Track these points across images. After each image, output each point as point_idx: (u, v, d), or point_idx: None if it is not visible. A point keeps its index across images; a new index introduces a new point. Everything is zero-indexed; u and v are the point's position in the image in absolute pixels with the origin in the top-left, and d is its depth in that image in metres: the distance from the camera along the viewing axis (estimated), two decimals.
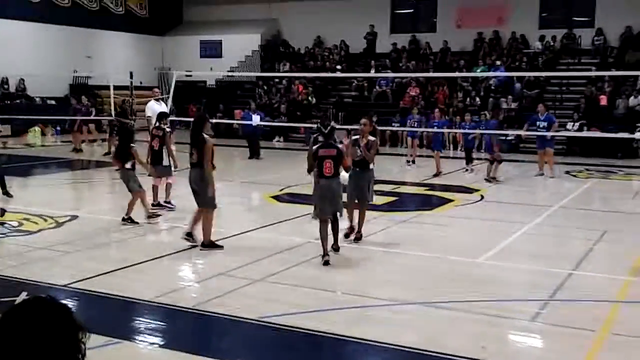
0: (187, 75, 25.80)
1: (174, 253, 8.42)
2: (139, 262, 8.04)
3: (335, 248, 8.51)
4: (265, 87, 28.37)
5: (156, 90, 17.44)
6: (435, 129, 17.31)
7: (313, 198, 8.40)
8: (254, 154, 19.61)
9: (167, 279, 7.57)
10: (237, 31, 31.03)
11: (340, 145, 8.36)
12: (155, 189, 11.27)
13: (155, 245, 9.02)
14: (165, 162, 11.28)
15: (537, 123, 16.36)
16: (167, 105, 16.56)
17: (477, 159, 17.97)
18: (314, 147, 8.23)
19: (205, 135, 8.73)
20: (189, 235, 8.71)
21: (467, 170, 16.71)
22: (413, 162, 18.18)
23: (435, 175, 15.96)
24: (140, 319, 6.40)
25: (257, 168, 17.80)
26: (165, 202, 11.29)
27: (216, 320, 6.19)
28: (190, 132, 8.88)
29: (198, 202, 8.72)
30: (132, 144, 10.15)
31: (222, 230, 9.61)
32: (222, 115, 24.87)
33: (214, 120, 23.72)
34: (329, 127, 8.25)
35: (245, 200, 12.98)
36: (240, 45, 30.61)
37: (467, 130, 17.22)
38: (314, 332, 5.81)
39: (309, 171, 8.50)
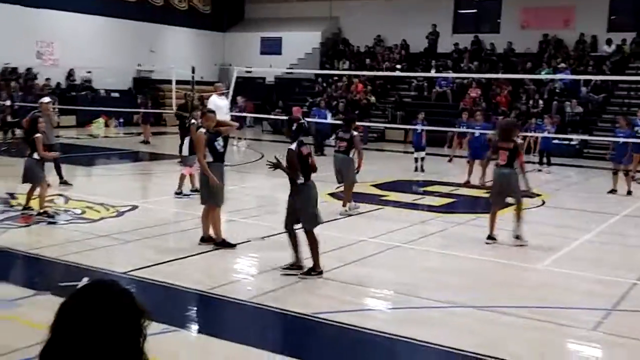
0: (247, 72, 26.08)
1: (224, 248, 8.46)
2: (195, 254, 8.16)
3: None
4: (324, 85, 28.42)
5: (220, 85, 17.69)
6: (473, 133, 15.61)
7: (307, 205, 7.38)
8: (318, 151, 19.67)
9: (222, 271, 7.67)
10: (297, 28, 31.20)
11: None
12: (187, 178, 11.84)
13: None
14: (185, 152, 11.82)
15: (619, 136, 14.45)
16: (228, 100, 16.78)
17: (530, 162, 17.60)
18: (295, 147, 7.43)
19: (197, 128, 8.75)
20: (203, 240, 8.56)
21: (540, 170, 16.60)
22: (450, 160, 18.00)
23: (465, 185, 14.33)
24: (196, 308, 6.52)
25: (321, 165, 17.84)
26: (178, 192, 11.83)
27: (269, 313, 6.23)
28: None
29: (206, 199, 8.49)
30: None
31: (280, 225, 9.67)
32: (281, 112, 25.04)
33: (272, 117, 24.09)
34: (296, 125, 7.64)
35: None
36: (300, 43, 30.77)
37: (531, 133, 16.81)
38: (364, 330, 5.79)
39: (297, 177, 7.37)
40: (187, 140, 11.71)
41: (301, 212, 7.37)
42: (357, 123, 11.87)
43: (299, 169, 7.31)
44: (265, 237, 9.07)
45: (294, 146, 7.43)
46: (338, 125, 11.16)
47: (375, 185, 13.94)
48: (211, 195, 8.31)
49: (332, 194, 11.60)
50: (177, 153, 13.29)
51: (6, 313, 5.95)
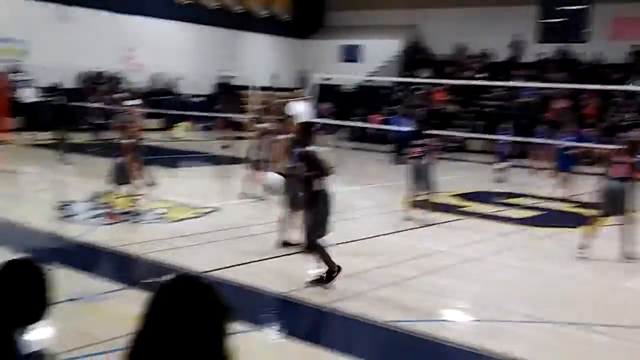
0: (326, 79, 26.30)
1: (298, 252, 8.52)
2: (274, 257, 8.29)
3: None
4: (404, 93, 28.31)
5: (301, 91, 18.09)
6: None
7: (323, 214, 7.16)
8: (399, 159, 19.64)
9: (300, 275, 7.76)
10: (377, 36, 31.23)
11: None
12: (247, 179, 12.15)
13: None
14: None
15: None
16: (308, 106, 17.01)
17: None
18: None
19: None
20: (285, 244, 8.67)
21: None
22: (535, 172, 17.52)
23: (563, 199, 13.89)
24: (273, 311, 6.62)
25: (401, 173, 17.81)
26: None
27: (345, 319, 6.26)
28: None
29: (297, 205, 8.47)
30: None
31: (358, 232, 9.76)
32: (359, 119, 25.12)
33: (351, 124, 24.16)
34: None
35: (384, 204, 13.04)
36: (379, 51, 30.78)
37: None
38: (441, 341, 5.74)
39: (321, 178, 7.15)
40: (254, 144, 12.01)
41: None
42: (435, 132, 11.73)
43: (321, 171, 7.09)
44: (339, 243, 9.11)
45: (315, 147, 7.28)
46: (416, 133, 11.09)
47: (455, 196, 13.78)
48: (297, 201, 8.39)
49: (408, 202, 11.52)
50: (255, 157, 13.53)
51: (95, 305, 6.22)
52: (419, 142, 10.85)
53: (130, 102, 13.90)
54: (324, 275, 7.17)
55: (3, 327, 2.40)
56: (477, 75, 27.33)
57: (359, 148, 24.15)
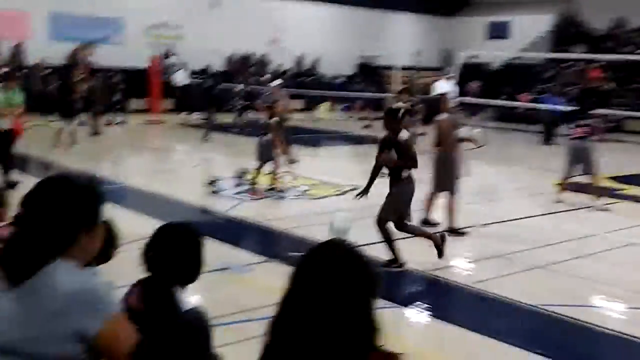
0: (471, 57, 25.61)
1: (447, 231, 8.37)
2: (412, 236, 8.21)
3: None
4: (556, 71, 26.96)
5: (447, 69, 17.93)
6: None
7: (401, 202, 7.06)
8: (549, 140, 18.83)
9: (446, 254, 7.66)
10: (527, 11, 29.91)
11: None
12: None
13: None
14: None
15: None
16: (454, 85, 16.73)
17: None
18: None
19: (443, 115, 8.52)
20: (426, 222, 8.53)
21: None
22: None
23: None
24: (416, 288, 6.59)
25: (550, 154, 17.07)
26: None
27: (491, 300, 6.10)
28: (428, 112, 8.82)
29: (443, 186, 8.42)
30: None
31: (503, 214, 9.49)
32: (507, 98, 24.26)
33: (498, 103, 23.38)
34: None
35: (531, 186, 12.55)
36: (530, 26, 29.48)
37: None
38: (592, 326, 5.46)
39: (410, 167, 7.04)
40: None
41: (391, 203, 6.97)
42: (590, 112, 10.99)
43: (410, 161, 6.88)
44: (485, 224, 8.88)
45: (406, 135, 7.00)
46: (570, 113, 10.47)
47: (612, 178, 12.96)
48: (448, 182, 8.30)
49: (560, 184, 10.98)
50: None
51: (240, 276, 6.48)
52: (583, 122, 10.24)
53: (274, 83, 14.30)
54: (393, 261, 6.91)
55: (164, 284, 2.58)
56: (638, 51, 25.44)
57: (505, 128, 23.34)
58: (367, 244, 7.32)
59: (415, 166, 6.92)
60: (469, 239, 8.23)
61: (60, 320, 1.99)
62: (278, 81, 14.23)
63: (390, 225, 6.98)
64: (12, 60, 21.15)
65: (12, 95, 10.01)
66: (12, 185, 9.11)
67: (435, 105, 8.78)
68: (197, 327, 2.44)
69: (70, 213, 2.10)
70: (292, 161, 13.16)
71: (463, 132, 9.15)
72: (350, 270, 1.86)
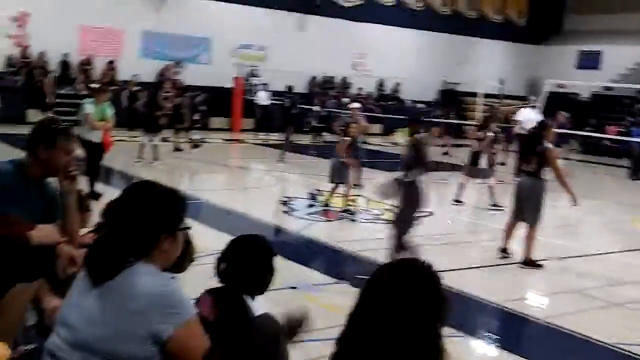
0: (559, 86, 25.09)
1: (517, 263, 8.21)
2: (488, 265, 8.13)
3: None
4: None
5: (532, 97, 17.74)
6: None
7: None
8: (637, 174, 18.21)
9: (515, 286, 7.54)
10: (620, 42, 29.06)
11: None
12: (461, 186, 12.18)
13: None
14: (481, 165, 12.14)
15: None
16: (539, 114, 16.43)
17: None
18: None
19: (549, 145, 8.21)
20: (504, 251, 8.39)
21: None
22: None
23: None
24: (485, 318, 6.51)
25: (635, 189, 16.52)
26: (491, 205, 11.76)
27: (565, 335, 5.96)
28: (527, 139, 8.56)
29: (524, 216, 8.21)
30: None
31: (582, 248, 9.27)
32: (594, 130, 23.59)
33: (582, 133, 22.75)
34: None
35: (612, 221, 12.17)
36: (622, 57, 28.64)
37: None
38: None
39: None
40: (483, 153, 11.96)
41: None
42: None
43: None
44: (562, 257, 8.69)
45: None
46: None
47: None
48: (536, 213, 8.12)
49: None
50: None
51: (309, 295, 6.58)
52: None
53: (353, 105, 14.43)
54: None
55: (236, 293, 2.71)
56: None
57: (591, 161, 22.68)
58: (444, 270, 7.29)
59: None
60: (545, 272, 8.05)
61: (138, 320, 2.09)
62: (356, 104, 14.37)
63: None
64: (105, 75, 22.21)
65: (105, 109, 10.40)
66: (96, 196, 9.56)
67: (532, 136, 8.48)
68: (268, 332, 2.52)
69: (154, 217, 2.23)
70: (356, 185, 13.17)
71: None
72: (420, 291, 1.85)
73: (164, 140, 15.89)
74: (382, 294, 1.87)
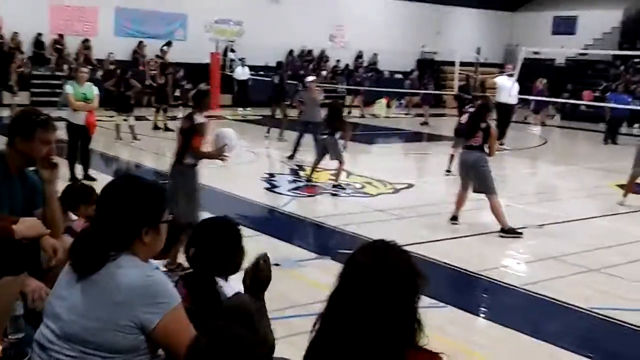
0: (535, 53, 25.19)
1: (497, 232, 8.33)
2: (468, 235, 8.26)
3: None
4: (623, 68, 26.26)
5: (509, 66, 17.80)
6: None
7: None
8: (610, 139, 18.40)
9: (495, 255, 7.68)
10: (595, 6, 29.17)
11: None
12: (451, 158, 12.03)
13: (487, 223, 9.11)
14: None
15: None
16: (514, 82, 16.52)
17: None
18: None
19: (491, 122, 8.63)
20: (454, 219, 8.62)
21: None
22: None
23: None
24: (464, 287, 6.65)
25: (610, 154, 16.72)
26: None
27: (542, 301, 6.11)
28: (474, 116, 8.76)
29: (476, 187, 8.46)
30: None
31: (560, 214, 9.42)
32: (569, 96, 23.79)
33: (560, 100, 22.94)
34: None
35: (588, 186, 12.36)
36: (597, 22, 28.77)
37: None
38: None
39: None
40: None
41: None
42: None
43: None
44: (542, 224, 8.83)
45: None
46: (637, 112, 10.25)
47: None
48: (484, 183, 8.33)
49: (620, 185, 10.78)
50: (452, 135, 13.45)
51: (292, 271, 6.66)
52: None
53: (308, 79, 14.22)
54: None
55: (208, 274, 2.77)
56: None
57: (568, 127, 22.92)
58: (412, 243, 7.42)
59: None
60: (523, 240, 8.20)
61: (123, 311, 2.15)
62: (312, 77, 14.16)
63: None
64: (80, 55, 21.93)
65: (88, 90, 10.15)
66: (91, 179, 9.64)
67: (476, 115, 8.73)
68: (240, 312, 2.59)
69: (135, 211, 2.28)
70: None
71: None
72: (395, 268, 1.95)
73: (139, 119, 15.84)
74: (358, 275, 1.96)
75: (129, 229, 2.27)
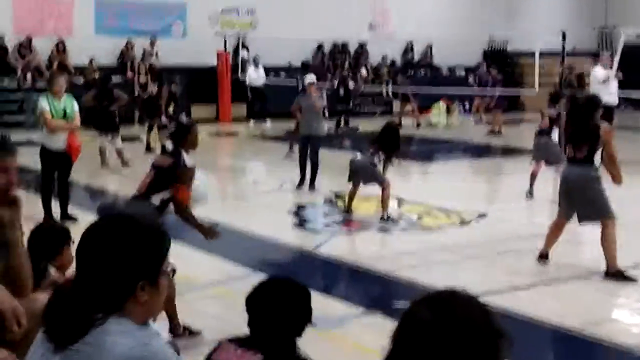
0: (638, 36, 24.93)
1: (595, 274, 8.17)
2: (563, 278, 8.11)
3: None
4: None
5: (605, 56, 17.64)
6: None
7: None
8: None
9: (598, 305, 7.53)
10: None
11: None
12: (533, 177, 12.20)
13: (587, 261, 8.93)
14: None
15: None
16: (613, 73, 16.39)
17: None
18: None
19: (602, 123, 8.22)
20: (544, 257, 8.44)
21: None
22: None
23: None
24: (562, 350, 6.52)
25: None
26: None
27: None
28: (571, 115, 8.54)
29: (584, 213, 8.16)
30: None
31: None
32: None
33: None
34: None
35: None
36: None
37: None
38: None
39: None
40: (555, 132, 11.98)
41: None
42: None
43: None
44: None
45: None
46: None
47: None
48: (593, 207, 8.06)
49: None
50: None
51: (331, 333, 6.58)
52: None
53: (308, 79, 13.82)
54: None
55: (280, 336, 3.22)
56: None
57: None
58: (489, 292, 7.31)
59: None
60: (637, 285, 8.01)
61: None
62: (311, 77, 13.89)
63: None
64: (53, 60, 22.18)
65: (66, 104, 10.03)
66: (71, 219, 9.77)
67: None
68: None
69: (128, 261, 2.24)
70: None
71: None
72: (467, 326, 1.90)
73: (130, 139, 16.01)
74: (421, 338, 1.91)
75: (120, 284, 2.24)
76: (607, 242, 7.97)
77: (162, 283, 2.32)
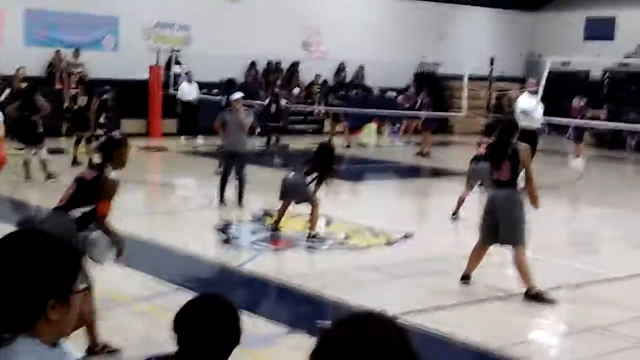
0: (563, 64, 25.54)
1: (516, 295, 8.28)
2: (485, 299, 8.21)
3: None
4: None
5: (531, 80, 17.97)
6: None
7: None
8: None
9: (517, 326, 7.62)
10: (638, 5, 29.74)
11: None
12: (461, 201, 12.22)
13: (508, 283, 9.05)
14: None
15: None
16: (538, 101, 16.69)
17: None
18: None
19: (521, 144, 8.39)
20: (466, 279, 8.54)
21: None
22: None
23: None
24: None
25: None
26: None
27: None
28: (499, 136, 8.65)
29: (505, 235, 8.24)
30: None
31: (601, 270, 9.38)
32: (610, 118, 24.05)
33: (614, 125, 23.07)
34: None
35: (637, 233, 12.39)
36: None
37: None
38: None
39: None
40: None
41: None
42: None
43: None
44: (577, 284, 8.82)
45: None
46: None
47: None
48: (513, 230, 8.20)
49: None
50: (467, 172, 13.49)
51: (256, 352, 6.51)
52: None
53: (234, 96, 13.74)
54: None
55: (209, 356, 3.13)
56: None
57: (607, 156, 23.11)
58: (412, 311, 7.34)
59: None
60: (556, 305, 8.14)
61: None
62: (238, 94, 13.85)
63: None
64: None
65: None
66: None
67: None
68: None
69: (38, 278, 2.17)
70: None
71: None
72: (381, 347, 1.86)
73: (56, 151, 15.71)
74: (336, 358, 1.87)
75: (29, 303, 2.16)
76: (521, 267, 8.11)
77: (74, 301, 2.25)
